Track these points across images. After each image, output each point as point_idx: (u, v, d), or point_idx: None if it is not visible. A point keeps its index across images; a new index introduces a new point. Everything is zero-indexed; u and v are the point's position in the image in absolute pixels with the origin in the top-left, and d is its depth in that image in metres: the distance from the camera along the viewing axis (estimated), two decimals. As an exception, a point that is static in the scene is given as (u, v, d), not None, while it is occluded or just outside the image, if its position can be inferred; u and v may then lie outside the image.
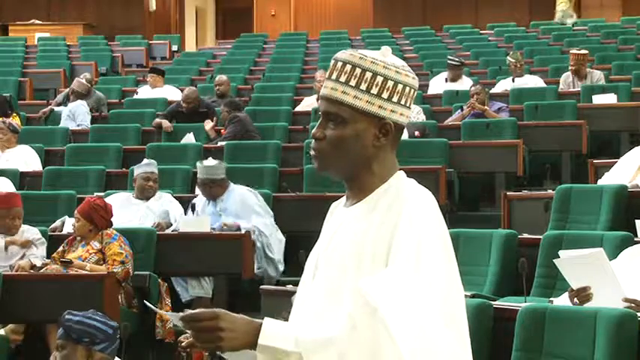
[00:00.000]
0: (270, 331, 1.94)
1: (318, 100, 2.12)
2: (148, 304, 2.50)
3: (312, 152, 2.10)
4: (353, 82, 2.04)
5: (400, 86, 2.06)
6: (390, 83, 2.05)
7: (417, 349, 1.86)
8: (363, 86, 2.04)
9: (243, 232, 6.99)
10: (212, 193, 7.36)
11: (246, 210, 7.25)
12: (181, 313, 1.99)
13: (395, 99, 2.06)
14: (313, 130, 2.09)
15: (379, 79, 2.04)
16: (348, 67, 2.05)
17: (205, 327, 1.94)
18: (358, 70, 2.04)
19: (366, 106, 2.04)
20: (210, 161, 7.44)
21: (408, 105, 2.08)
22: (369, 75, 2.04)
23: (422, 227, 1.97)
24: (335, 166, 2.09)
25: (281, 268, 7.19)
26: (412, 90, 2.08)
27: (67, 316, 3.74)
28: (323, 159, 2.08)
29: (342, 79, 2.05)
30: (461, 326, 1.95)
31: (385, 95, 2.05)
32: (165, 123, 10.26)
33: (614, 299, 4.05)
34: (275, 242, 7.21)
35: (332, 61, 2.09)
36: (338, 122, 2.05)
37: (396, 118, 2.07)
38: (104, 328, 3.69)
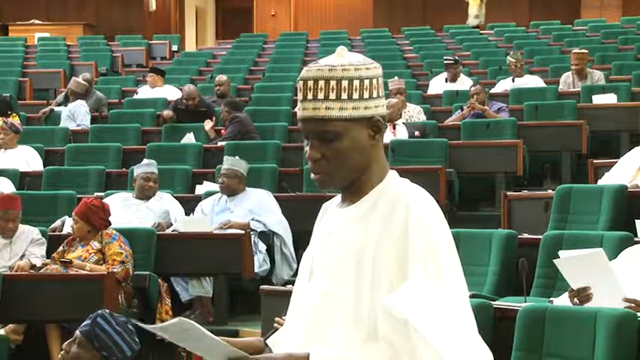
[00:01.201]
0: None
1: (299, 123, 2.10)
2: (140, 324, 2.45)
3: (313, 175, 2.08)
4: (333, 96, 2.03)
5: (375, 81, 2.06)
6: (366, 82, 2.05)
7: (456, 355, 1.89)
8: (344, 95, 2.03)
9: (243, 232, 7.00)
10: (230, 185, 7.40)
11: (264, 207, 7.36)
12: (176, 320, 1.97)
13: (375, 94, 2.06)
14: (309, 154, 2.07)
15: (355, 82, 2.03)
16: (322, 83, 2.03)
17: None
18: (333, 82, 2.03)
19: (354, 113, 2.04)
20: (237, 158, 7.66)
21: (381, 95, 2.08)
22: (345, 83, 2.03)
23: (434, 234, 1.98)
24: (340, 179, 2.08)
25: (294, 265, 7.23)
26: (381, 78, 2.09)
27: (99, 320, 3.62)
28: (328, 177, 2.07)
29: (320, 96, 2.03)
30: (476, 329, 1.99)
31: (366, 95, 2.05)
32: (167, 112, 10.29)
33: (614, 299, 4.05)
34: (289, 238, 7.31)
35: (300, 83, 2.06)
36: (332, 138, 2.04)
37: (380, 112, 2.07)
38: (125, 350, 3.64)
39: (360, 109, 2.04)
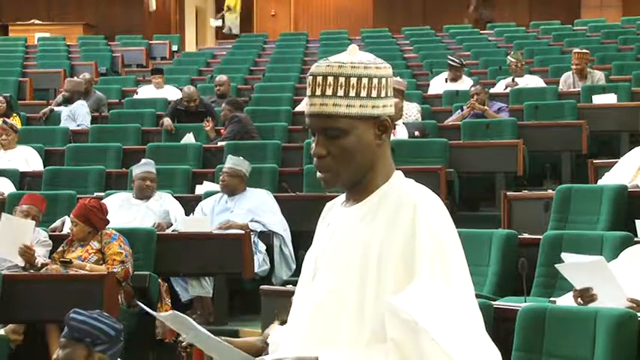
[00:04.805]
0: None
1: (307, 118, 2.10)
2: (141, 305, 2.48)
3: (318, 174, 2.08)
4: (341, 92, 2.03)
5: (384, 80, 2.06)
6: (375, 81, 2.05)
7: (465, 356, 1.89)
8: (352, 92, 2.03)
9: (243, 232, 7.00)
10: (231, 184, 7.41)
11: (264, 208, 7.36)
12: (172, 312, 1.97)
13: (383, 94, 2.06)
14: (314, 150, 2.07)
15: (364, 80, 2.04)
16: (331, 79, 2.03)
17: None
18: (342, 79, 2.03)
19: (361, 111, 2.04)
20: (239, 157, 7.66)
21: (389, 95, 2.08)
22: (353, 80, 2.03)
23: (441, 234, 1.99)
24: (346, 178, 2.07)
25: (293, 265, 7.22)
26: (390, 79, 2.09)
27: (72, 315, 3.74)
28: (333, 175, 2.06)
29: (329, 92, 2.03)
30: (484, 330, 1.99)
31: (374, 94, 2.05)
32: (168, 122, 10.30)
33: (617, 304, 4.04)
34: (289, 238, 7.31)
35: (310, 78, 2.06)
36: (338, 135, 2.04)
37: (388, 112, 2.07)
38: (107, 330, 3.68)
39: (367, 107, 2.04)
